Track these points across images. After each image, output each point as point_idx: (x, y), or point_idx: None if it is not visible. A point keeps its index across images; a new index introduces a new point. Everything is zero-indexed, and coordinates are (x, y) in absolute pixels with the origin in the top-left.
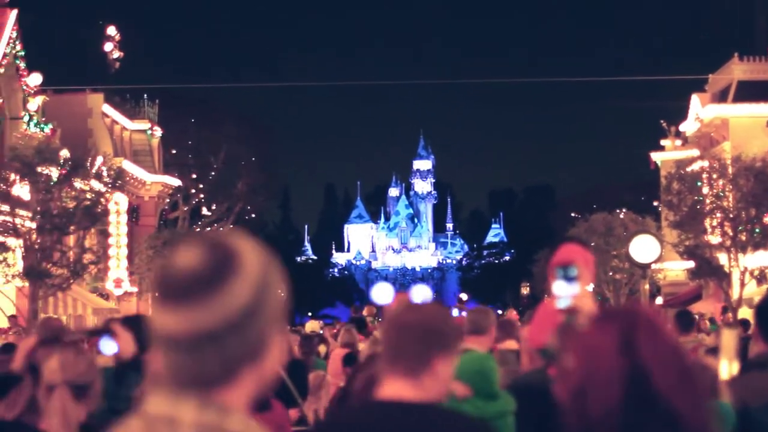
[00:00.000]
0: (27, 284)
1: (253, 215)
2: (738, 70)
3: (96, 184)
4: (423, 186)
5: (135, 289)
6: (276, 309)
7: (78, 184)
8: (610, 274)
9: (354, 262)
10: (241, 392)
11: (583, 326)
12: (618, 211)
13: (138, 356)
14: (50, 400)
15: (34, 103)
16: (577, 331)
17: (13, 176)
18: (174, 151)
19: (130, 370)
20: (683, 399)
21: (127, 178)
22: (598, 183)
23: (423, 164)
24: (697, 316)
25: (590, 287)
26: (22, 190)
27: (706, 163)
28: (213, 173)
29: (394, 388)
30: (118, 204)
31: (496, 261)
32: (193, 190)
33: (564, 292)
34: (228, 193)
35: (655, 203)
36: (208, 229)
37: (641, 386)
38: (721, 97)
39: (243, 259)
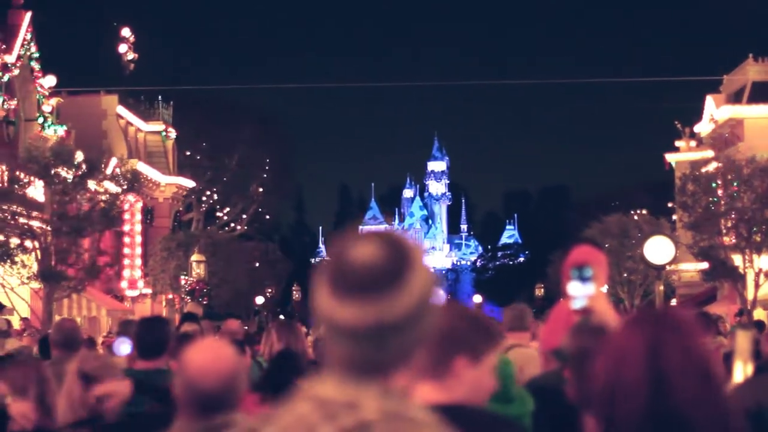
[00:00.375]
0: (42, 286)
1: (268, 217)
2: (753, 71)
3: (111, 186)
4: (437, 187)
5: (149, 291)
6: (435, 305)
7: (92, 185)
8: (625, 275)
9: None
10: (407, 375)
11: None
12: (632, 212)
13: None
14: (61, 385)
15: (49, 104)
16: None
17: (28, 178)
18: (188, 153)
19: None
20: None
21: (142, 180)
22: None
23: (437, 165)
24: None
25: (604, 288)
26: (36, 191)
27: (720, 165)
28: (227, 175)
29: (419, 392)
30: (132, 206)
31: (511, 262)
32: (208, 192)
33: (579, 293)
34: (242, 194)
35: (670, 204)
36: (224, 229)
37: (663, 393)
38: (736, 98)
39: (415, 254)
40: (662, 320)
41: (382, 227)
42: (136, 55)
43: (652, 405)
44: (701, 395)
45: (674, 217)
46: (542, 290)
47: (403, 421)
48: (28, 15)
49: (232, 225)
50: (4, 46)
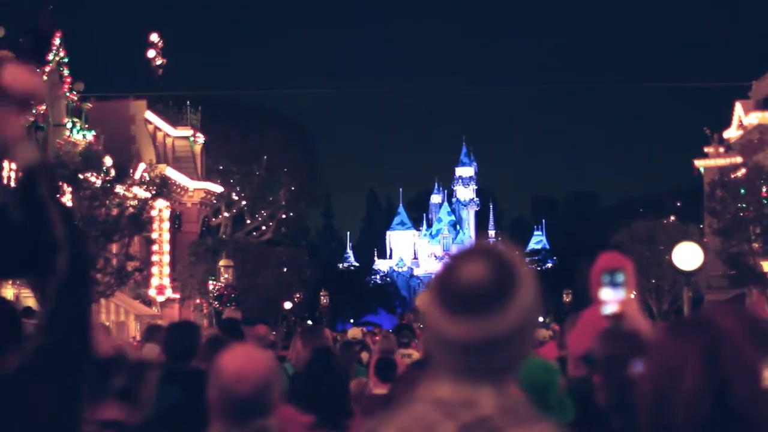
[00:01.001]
0: None
1: (296, 222)
2: None
3: (139, 191)
4: (465, 193)
5: (177, 296)
6: (537, 317)
7: (120, 190)
8: (653, 281)
9: (396, 269)
10: (514, 382)
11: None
12: (661, 218)
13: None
14: None
15: (78, 110)
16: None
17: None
18: (216, 158)
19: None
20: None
21: (170, 185)
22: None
23: (465, 171)
24: None
25: (634, 294)
26: (65, 197)
27: (749, 170)
28: (255, 180)
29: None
30: (161, 211)
31: (539, 268)
32: (236, 197)
33: (610, 298)
34: (270, 199)
35: (699, 211)
36: (251, 235)
37: (724, 397)
38: (765, 104)
39: (521, 271)
40: (714, 327)
41: (411, 232)
42: (164, 60)
43: (714, 410)
44: (757, 395)
45: (703, 223)
46: (570, 296)
47: (518, 415)
48: (56, 21)
49: (260, 230)
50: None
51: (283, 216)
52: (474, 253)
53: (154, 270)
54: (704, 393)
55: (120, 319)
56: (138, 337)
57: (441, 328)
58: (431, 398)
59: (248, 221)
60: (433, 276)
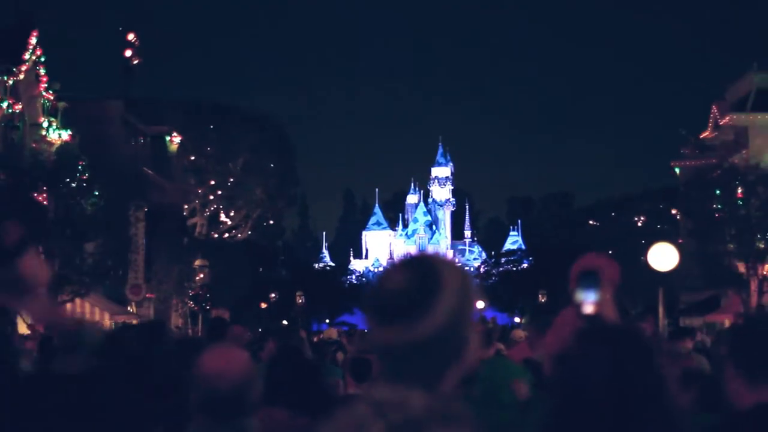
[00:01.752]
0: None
1: (272, 222)
2: (757, 78)
3: (115, 191)
4: (441, 193)
5: (153, 296)
6: (472, 315)
7: (97, 191)
8: (627, 282)
9: (372, 269)
10: (449, 383)
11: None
12: (636, 218)
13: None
14: None
15: (54, 109)
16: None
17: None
18: (192, 158)
19: None
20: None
21: (146, 185)
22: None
23: (441, 171)
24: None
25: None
26: (40, 195)
27: (724, 172)
28: (231, 180)
29: None
30: (136, 210)
31: (514, 269)
32: (212, 197)
33: (587, 299)
34: (246, 199)
35: (674, 211)
36: (226, 235)
37: (626, 407)
38: (740, 105)
39: (445, 277)
40: (623, 337)
41: (386, 232)
42: (140, 60)
43: (614, 417)
44: (658, 407)
45: (678, 224)
46: (545, 297)
47: (446, 416)
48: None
49: (236, 230)
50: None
51: (260, 215)
52: (400, 264)
53: (130, 270)
54: (609, 405)
55: (95, 319)
56: None
57: (372, 335)
58: (369, 399)
59: (225, 220)
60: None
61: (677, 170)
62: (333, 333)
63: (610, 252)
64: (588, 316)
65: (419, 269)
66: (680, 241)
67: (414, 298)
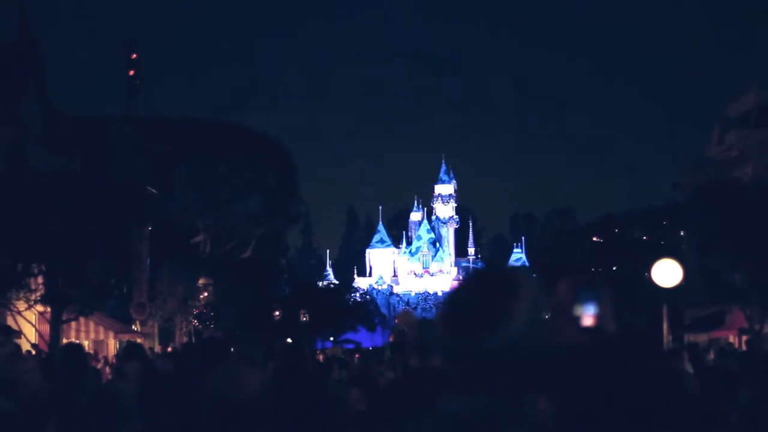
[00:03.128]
0: (49, 309)
1: (275, 240)
2: (759, 95)
3: (119, 209)
4: (445, 210)
5: (157, 314)
6: (543, 319)
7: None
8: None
9: (376, 286)
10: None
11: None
12: (640, 234)
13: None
14: None
15: (58, 128)
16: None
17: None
18: (196, 176)
19: None
20: None
21: (150, 203)
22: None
23: (445, 188)
24: None
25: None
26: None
27: (728, 187)
28: (235, 197)
29: None
30: (140, 228)
31: None
32: (215, 215)
33: (586, 311)
34: (250, 217)
35: (677, 227)
36: (230, 254)
37: None
38: (743, 121)
39: (519, 287)
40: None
41: (390, 250)
42: (140, 81)
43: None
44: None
45: (682, 240)
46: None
47: (521, 425)
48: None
49: (240, 248)
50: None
51: (263, 233)
52: (475, 274)
53: (134, 288)
54: None
55: (99, 338)
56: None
57: (448, 343)
58: (443, 411)
59: (229, 238)
60: (434, 296)
61: (680, 186)
62: (337, 351)
63: (614, 269)
64: (588, 329)
65: (495, 278)
66: (684, 257)
67: (491, 306)
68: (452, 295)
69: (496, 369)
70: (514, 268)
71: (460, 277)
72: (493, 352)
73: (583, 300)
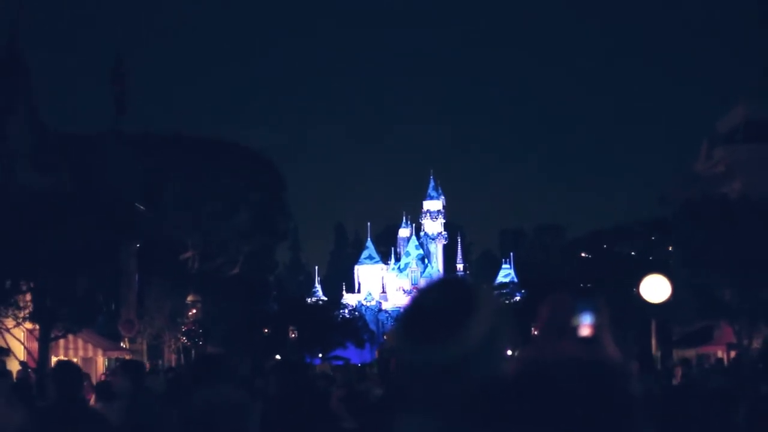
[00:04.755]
0: (38, 326)
1: (263, 256)
2: (746, 110)
3: (107, 226)
4: (433, 226)
5: (145, 332)
6: (506, 339)
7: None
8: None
9: (364, 303)
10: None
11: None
12: (628, 250)
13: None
14: None
15: (47, 146)
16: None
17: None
18: (183, 192)
19: None
20: None
21: (138, 220)
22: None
23: (433, 204)
24: None
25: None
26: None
27: (716, 203)
28: (222, 214)
29: None
30: (128, 245)
31: (507, 302)
32: (203, 231)
33: (583, 322)
34: (238, 234)
35: (666, 243)
36: (218, 270)
37: None
38: (731, 137)
39: (478, 299)
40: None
41: (379, 266)
42: (130, 94)
43: None
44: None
45: (670, 255)
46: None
47: None
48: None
49: (228, 265)
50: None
51: (252, 250)
52: (435, 284)
53: (122, 305)
54: None
55: (88, 355)
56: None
57: (405, 355)
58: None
59: (217, 254)
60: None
61: (668, 201)
62: (326, 368)
63: (602, 284)
64: (584, 340)
65: (454, 289)
66: (672, 272)
67: (450, 317)
68: (410, 304)
69: (448, 387)
70: (475, 281)
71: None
72: (445, 367)
73: (581, 310)
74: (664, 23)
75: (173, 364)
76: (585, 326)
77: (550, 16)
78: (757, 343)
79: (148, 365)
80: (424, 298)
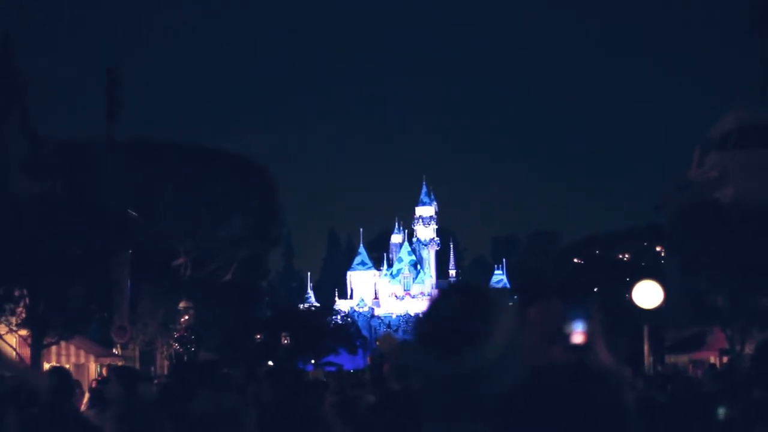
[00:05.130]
0: (30, 333)
1: (256, 263)
2: (740, 116)
3: (99, 233)
4: (426, 232)
5: (138, 338)
6: (521, 346)
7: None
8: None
9: (357, 309)
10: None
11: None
12: (621, 256)
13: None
14: None
15: (40, 153)
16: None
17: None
18: (176, 199)
19: None
20: None
21: (131, 227)
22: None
23: (426, 210)
24: None
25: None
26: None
27: (708, 209)
28: (215, 220)
29: None
30: (121, 251)
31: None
32: (195, 238)
33: (575, 329)
34: (231, 240)
35: (659, 249)
36: (212, 275)
37: None
38: (723, 143)
39: (497, 306)
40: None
41: (371, 272)
42: (124, 102)
43: None
44: None
45: (663, 262)
46: None
47: None
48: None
49: (221, 271)
50: None
51: (244, 256)
52: (451, 290)
53: (114, 311)
54: None
55: (80, 362)
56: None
57: (419, 362)
58: None
59: (209, 260)
60: (416, 316)
61: (662, 208)
62: (319, 374)
63: (595, 290)
64: (577, 347)
65: (473, 297)
66: (665, 278)
67: (473, 326)
68: (429, 313)
69: (476, 392)
70: (493, 287)
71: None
72: (472, 373)
73: (573, 317)
74: (661, 27)
75: (165, 370)
76: (577, 333)
77: (545, 21)
78: (749, 349)
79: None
80: (443, 307)
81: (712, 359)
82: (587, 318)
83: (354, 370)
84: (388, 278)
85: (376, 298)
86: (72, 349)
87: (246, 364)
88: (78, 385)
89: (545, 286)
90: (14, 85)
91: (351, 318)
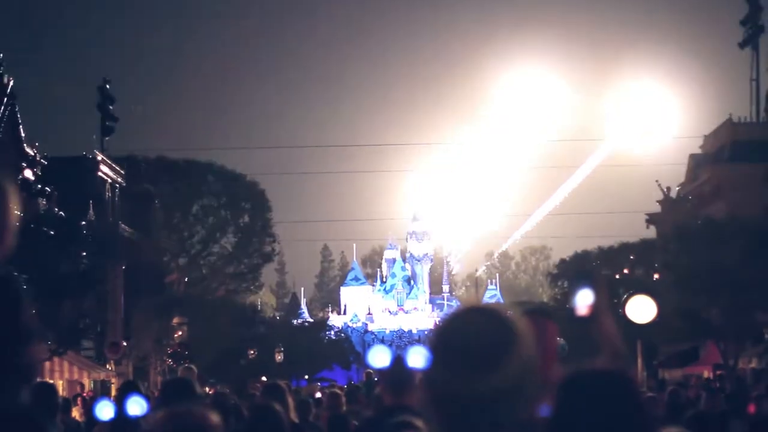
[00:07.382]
0: None
1: (248, 278)
2: (733, 131)
3: (92, 248)
4: (419, 248)
5: (131, 354)
6: (535, 368)
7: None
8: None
9: (350, 324)
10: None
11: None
12: (614, 271)
13: None
14: None
15: (33, 169)
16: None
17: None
18: (169, 215)
19: None
20: None
21: (124, 242)
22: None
23: (419, 226)
24: None
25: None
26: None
27: (701, 223)
28: (208, 237)
29: None
30: (114, 268)
31: None
32: (189, 253)
33: (580, 300)
34: (224, 256)
35: (652, 264)
36: (205, 291)
37: None
38: (717, 157)
39: (517, 329)
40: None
41: (365, 288)
42: (117, 118)
43: None
44: None
45: (656, 276)
46: None
47: None
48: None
49: (214, 286)
50: None
51: (237, 271)
52: (469, 311)
53: (107, 328)
54: None
55: (73, 378)
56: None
57: (445, 383)
58: None
59: (203, 276)
60: (430, 334)
61: (654, 222)
62: (315, 389)
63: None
64: (581, 318)
65: (492, 318)
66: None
67: (495, 347)
68: (448, 334)
69: (494, 416)
70: (506, 307)
71: (439, 315)
72: (492, 396)
73: (578, 287)
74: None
75: (159, 386)
76: (582, 306)
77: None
78: (743, 363)
79: None
80: (463, 327)
81: (706, 374)
82: (592, 288)
83: (348, 385)
84: (381, 294)
85: (369, 313)
86: (65, 365)
87: (239, 379)
88: (74, 400)
89: (539, 306)
90: (5, 101)
91: (344, 333)
